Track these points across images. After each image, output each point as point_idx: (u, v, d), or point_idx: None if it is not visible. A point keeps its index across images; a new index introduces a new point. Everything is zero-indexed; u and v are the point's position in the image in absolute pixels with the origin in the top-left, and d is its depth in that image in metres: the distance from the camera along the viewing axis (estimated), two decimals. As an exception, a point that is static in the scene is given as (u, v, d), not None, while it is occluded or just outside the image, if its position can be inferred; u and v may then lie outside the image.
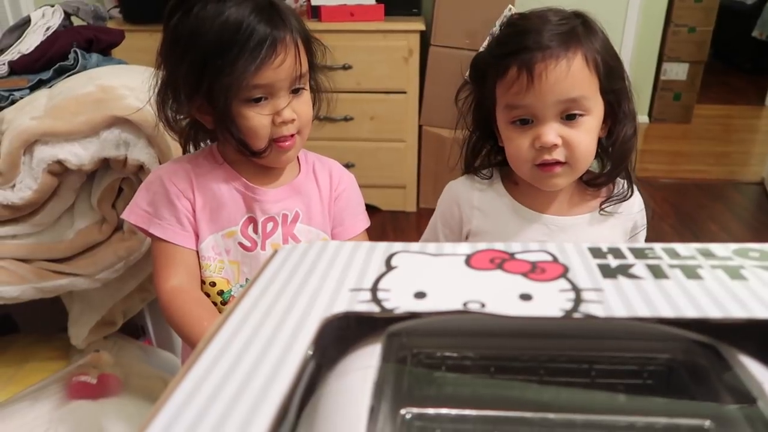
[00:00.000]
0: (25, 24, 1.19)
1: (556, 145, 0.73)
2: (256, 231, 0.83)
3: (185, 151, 0.90)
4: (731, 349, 0.34)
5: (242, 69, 0.73)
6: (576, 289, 0.35)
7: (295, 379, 0.30)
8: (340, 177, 0.91)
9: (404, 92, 2.36)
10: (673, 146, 3.29)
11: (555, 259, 0.39)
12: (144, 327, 1.34)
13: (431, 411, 0.33)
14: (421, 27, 2.25)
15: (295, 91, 0.79)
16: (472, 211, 0.85)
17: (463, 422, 0.33)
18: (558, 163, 0.74)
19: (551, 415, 0.32)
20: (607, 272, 0.37)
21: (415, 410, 0.34)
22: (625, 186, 0.83)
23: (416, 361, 0.37)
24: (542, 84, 0.71)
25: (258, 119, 0.76)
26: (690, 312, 0.33)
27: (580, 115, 0.73)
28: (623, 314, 0.33)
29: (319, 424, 0.31)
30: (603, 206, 0.82)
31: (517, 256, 0.40)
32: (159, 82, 0.81)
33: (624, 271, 0.37)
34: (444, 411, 0.33)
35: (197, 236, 0.82)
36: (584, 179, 0.83)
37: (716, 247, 0.40)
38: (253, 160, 0.81)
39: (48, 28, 1.18)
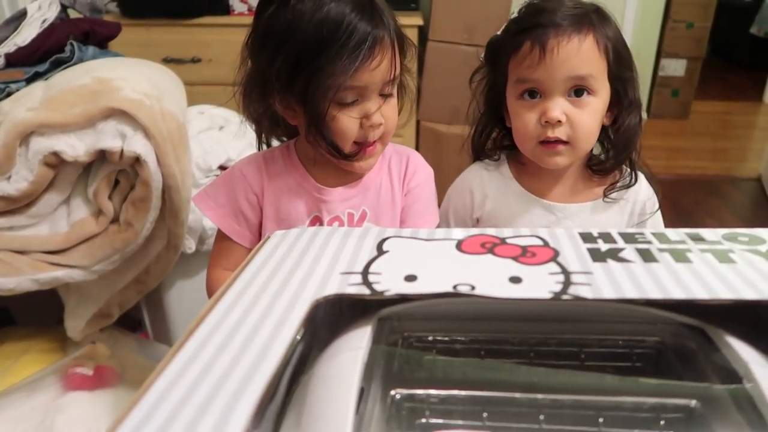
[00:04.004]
0: (21, 16, 1.19)
1: (560, 122, 0.76)
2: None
3: (260, 146, 0.88)
4: (719, 331, 0.34)
5: (340, 70, 0.69)
6: (565, 272, 0.36)
7: (283, 359, 0.30)
8: (416, 170, 0.87)
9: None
10: (671, 142, 3.28)
11: (546, 244, 0.39)
12: (141, 320, 1.34)
13: (421, 392, 0.34)
14: (419, 22, 2.25)
15: (385, 95, 0.76)
16: (485, 198, 0.87)
17: (453, 403, 0.33)
18: (560, 141, 0.77)
19: (540, 396, 0.32)
20: (597, 256, 0.38)
21: (405, 391, 0.34)
22: (630, 174, 0.85)
23: (407, 345, 0.38)
24: (553, 59, 0.74)
25: (346, 121, 0.73)
26: (678, 294, 0.33)
27: (588, 93, 0.76)
28: (611, 296, 0.33)
29: (309, 404, 0.31)
30: (607, 193, 0.84)
31: (509, 240, 0.40)
32: (245, 76, 0.77)
33: (614, 254, 0.38)
34: (433, 392, 0.33)
35: (260, 234, 0.82)
36: (589, 165, 0.85)
37: (706, 232, 0.40)
38: (339, 163, 0.78)
39: (44, 21, 1.17)
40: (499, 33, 0.83)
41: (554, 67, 0.74)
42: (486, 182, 0.87)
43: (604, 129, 0.81)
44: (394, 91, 0.78)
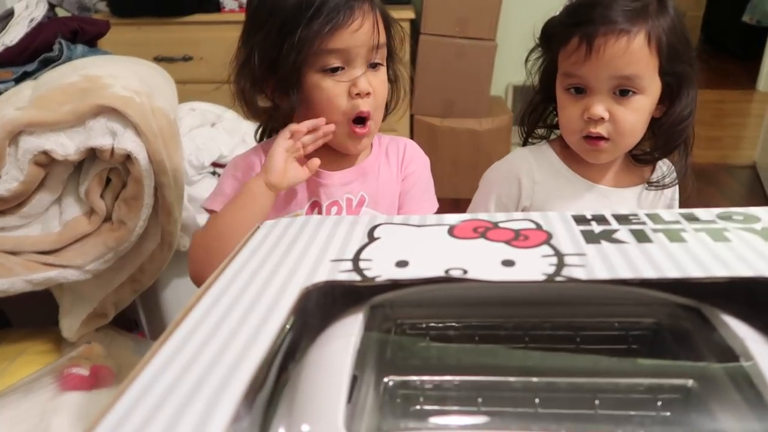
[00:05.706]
0: (8, 16, 1.18)
1: (602, 119, 0.75)
2: (320, 215, 0.83)
3: (263, 137, 0.88)
4: (714, 310, 0.33)
5: (317, 30, 0.71)
6: (558, 254, 0.35)
7: (272, 347, 0.29)
8: (412, 156, 0.88)
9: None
10: (665, 131, 3.28)
11: (538, 227, 0.39)
12: (137, 320, 1.34)
13: (414, 378, 0.33)
14: (411, 15, 2.24)
15: (373, 66, 0.77)
16: (534, 185, 0.85)
17: (447, 389, 0.33)
18: (602, 138, 0.76)
19: (535, 379, 0.32)
20: (590, 237, 0.37)
21: (399, 378, 0.33)
22: (673, 171, 0.84)
23: (400, 332, 0.37)
24: (599, 58, 0.72)
25: (332, 87, 0.74)
26: (673, 273, 0.33)
27: (633, 92, 0.74)
28: (606, 277, 0.33)
29: (300, 392, 0.30)
30: (653, 183, 0.84)
31: (501, 224, 0.40)
32: (238, 65, 0.79)
33: (607, 236, 0.37)
34: (427, 378, 0.33)
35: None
36: (632, 153, 0.85)
37: (700, 212, 0.40)
38: (332, 143, 0.79)
39: (32, 20, 1.16)
40: (555, 15, 0.81)
41: (599, 66, 0.72)
42: (534, 168, 0.85)
43: (655, 121, 0.79)
44: (384, 64, 0.79)
